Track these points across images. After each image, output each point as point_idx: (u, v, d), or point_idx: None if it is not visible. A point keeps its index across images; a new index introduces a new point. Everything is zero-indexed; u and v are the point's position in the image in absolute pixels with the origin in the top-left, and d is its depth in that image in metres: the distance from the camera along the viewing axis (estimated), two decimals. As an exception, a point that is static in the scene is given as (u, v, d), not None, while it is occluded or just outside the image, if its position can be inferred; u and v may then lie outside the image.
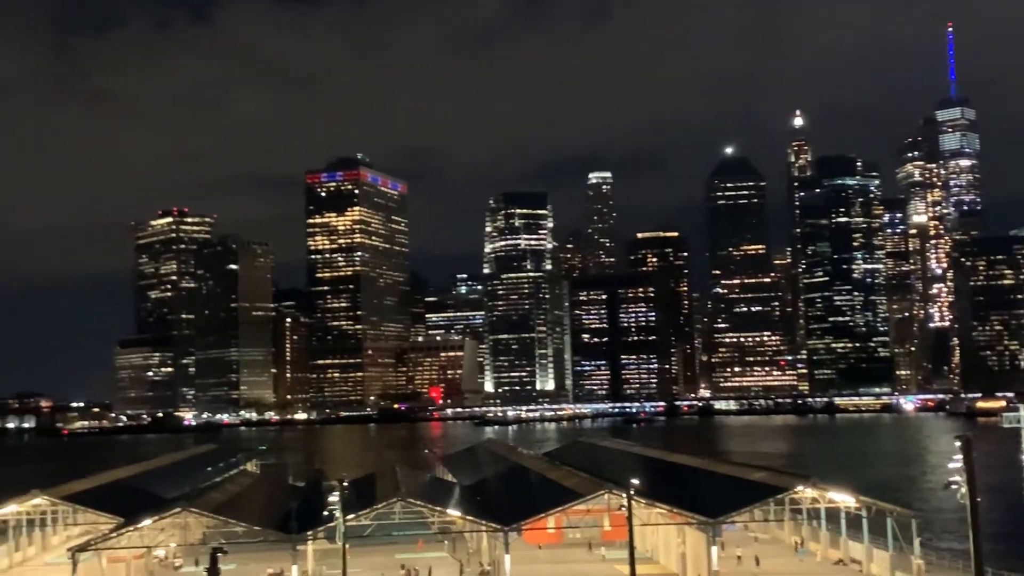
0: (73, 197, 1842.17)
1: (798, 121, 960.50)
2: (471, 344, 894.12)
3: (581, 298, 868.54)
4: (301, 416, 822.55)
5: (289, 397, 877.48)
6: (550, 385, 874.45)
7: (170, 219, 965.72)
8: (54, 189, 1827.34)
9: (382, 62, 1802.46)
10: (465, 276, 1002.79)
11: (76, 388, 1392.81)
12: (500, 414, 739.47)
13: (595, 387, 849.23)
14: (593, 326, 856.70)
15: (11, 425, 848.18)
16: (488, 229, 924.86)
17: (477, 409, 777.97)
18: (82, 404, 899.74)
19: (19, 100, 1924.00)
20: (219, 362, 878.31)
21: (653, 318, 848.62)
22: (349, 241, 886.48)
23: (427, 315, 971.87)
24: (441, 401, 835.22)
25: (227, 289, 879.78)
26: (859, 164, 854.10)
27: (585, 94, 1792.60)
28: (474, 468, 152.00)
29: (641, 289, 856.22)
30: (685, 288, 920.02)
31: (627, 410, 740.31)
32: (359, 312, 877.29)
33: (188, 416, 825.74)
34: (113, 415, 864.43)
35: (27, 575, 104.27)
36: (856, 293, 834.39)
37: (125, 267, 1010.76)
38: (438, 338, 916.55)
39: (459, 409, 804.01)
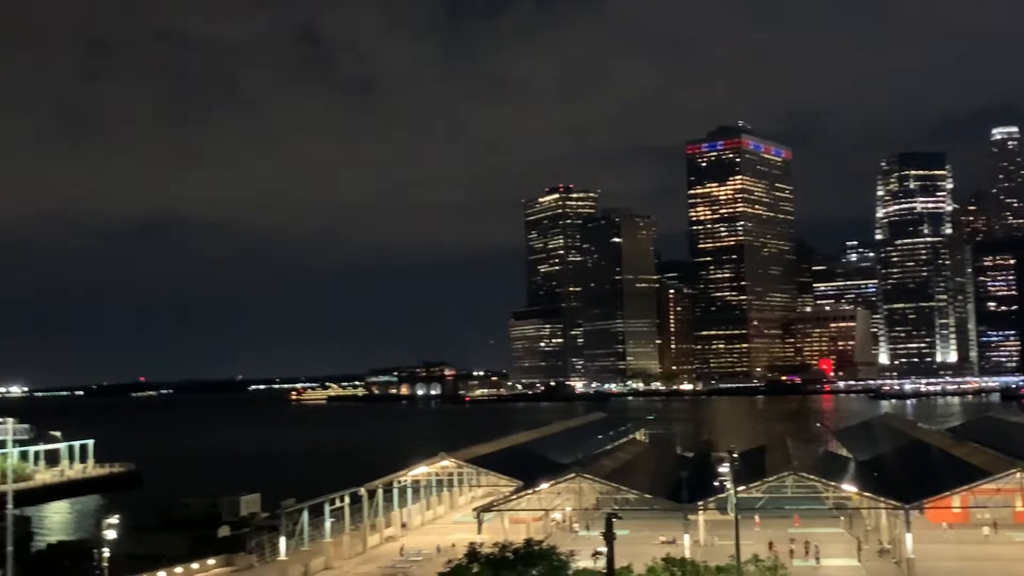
0: (470, 174, 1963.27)
1: None
2: (864, 314, 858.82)
3: (986, 263, 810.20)
4: (687, 386, 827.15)
5: (674, 368, 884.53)
6: (952, 357, 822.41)
7: (556, 195, 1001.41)
8: (454, 167, 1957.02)
9: (764, 24, 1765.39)
10: (855, 243, 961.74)
11: (476, 357, 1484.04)
12: (897, 387, 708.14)
13: (1003, 359, 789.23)
14: (1000, 293, 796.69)
15: (420, 392, 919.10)
16: (880, 192, 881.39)
17: (871, 382, 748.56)
18: (481, 373, 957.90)
19: (416, 86, 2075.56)
20: (606, 333, 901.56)
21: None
22: (731, 211, 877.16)
23: (815, 284, 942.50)
24: (832, 373, 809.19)
25: (611, 262, 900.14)
26: None
27: (989, 43, 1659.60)
28: (870, 443, 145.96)
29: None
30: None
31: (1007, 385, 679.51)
32: (743, 282, 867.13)
33: (578, 385, 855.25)
34: (509, 383, 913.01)
35: (438, 532, 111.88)
36: None
37: (517, 242, 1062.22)
38: (827, 308, 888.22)
39: (852, 382, 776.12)
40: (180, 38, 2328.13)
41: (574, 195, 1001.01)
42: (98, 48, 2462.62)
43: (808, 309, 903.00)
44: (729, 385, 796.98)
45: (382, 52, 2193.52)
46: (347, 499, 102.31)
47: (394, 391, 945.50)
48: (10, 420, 75.85)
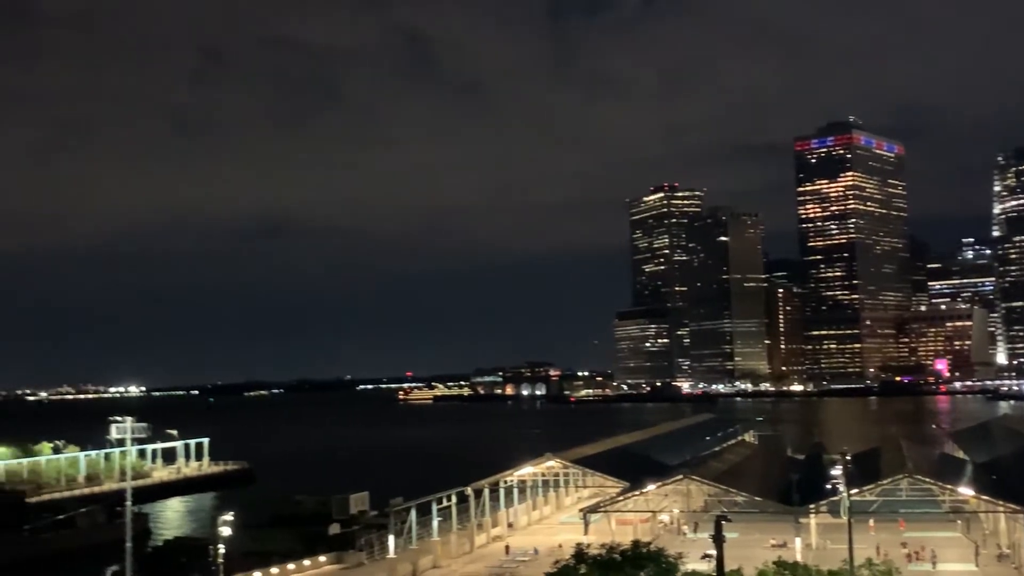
0: (574, 174, 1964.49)
1: None
2: (981, 313, 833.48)
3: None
4: (797, 387, 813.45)
5: (784, 368, 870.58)
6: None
7: (661, 194, 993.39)
8: (557, 167, 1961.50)
9: (874, 17, 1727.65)
10: (972, 240, 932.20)
11: (581, 357, 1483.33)
12: (1015, 388, 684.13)
13: None
14: None
15: (525, 392, 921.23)
16: (997, 188, 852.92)
17: (989, 382, 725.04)
18: (586, 373, 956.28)
19: (520, 86, 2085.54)
20: (713, 333, 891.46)
21: None
22: (842, 208, 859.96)
23: (929, 283, 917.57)
24: (948, 374, 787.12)
25: (718, 261, 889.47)
26: None
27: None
28: (988, 445, 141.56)
29: None
30: None
31: None
32: (855, 281, 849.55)
33: (685, 385, 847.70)
34: (615, 383, 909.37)
35: (544, 532, 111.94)
36: None
37: (621, 242, 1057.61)
38: (943, 307, 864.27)
39: (968, 382, 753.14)
40: (286, 43, 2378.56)
41: (679, 194, 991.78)
42: (207, 55, 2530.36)
43: (923, 308, 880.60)
44: (841, 386, 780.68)
45: (486, 52, 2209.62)
46: (454, 498, 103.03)
47: (499, 391, 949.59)
48: (129, 419, 77.87)
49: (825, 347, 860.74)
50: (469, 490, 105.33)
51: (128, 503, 76.24)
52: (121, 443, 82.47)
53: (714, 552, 60.98)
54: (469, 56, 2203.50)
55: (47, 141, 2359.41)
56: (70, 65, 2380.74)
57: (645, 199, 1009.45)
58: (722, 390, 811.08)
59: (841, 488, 74.80)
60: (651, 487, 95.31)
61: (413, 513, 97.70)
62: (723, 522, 60.27)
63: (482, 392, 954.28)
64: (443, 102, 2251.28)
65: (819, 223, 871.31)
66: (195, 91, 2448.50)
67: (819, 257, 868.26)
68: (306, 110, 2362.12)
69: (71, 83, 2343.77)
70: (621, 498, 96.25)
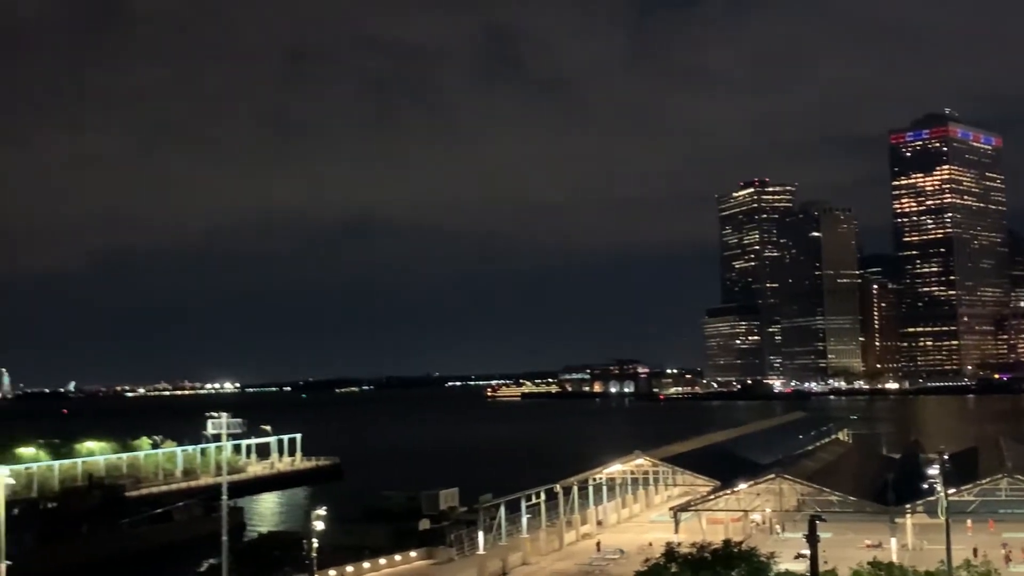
0: (662, 170, 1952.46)
1: None
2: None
3: None
4: (892, 385, 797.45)
5: (878, 366, 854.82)
6: None
7: (751, 190, 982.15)
8: (645, 163, 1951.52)
9: (973, 6, 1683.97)
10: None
11: (669, 355, 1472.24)
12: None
13: None
14: None
15: (613, 389, 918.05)
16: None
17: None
18: (675, 370, 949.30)
19: (607, 81, 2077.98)
20: (805, 330, 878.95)
21: None
22: (938, 202, 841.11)
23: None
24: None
25: (810, 257, 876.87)
26: None
27: None
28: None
29: None
30: None
31: None
32: (952, 277, 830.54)
33: (776, 383, 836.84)
34: (704, 381, 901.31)
35: (634, 530, 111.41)
36: None
37: (710, 238, 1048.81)
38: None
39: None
40: (374, 43, 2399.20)
41: (770, 188, 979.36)
42: (298, 54, 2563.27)
43: (1022, 304, 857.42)
44: (937, 384, 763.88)
45: (572, 48, 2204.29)
46: (543, 495, 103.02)
47: (587, 388, 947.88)
48: (224, 415, 79.36)
49: (921, 344, 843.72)
50: (558, 487, 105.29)
51: (224, 497, 77.58)
52: (217, 438, 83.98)
53: (807, 552, 60.13)
54: (555, 52, 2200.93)
55: (142, 142, 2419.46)
56: (163, 65, 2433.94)
57: (735, 194, 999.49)
58: (815, 388, 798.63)
59: (938, 488, 73.08)
60: (743, 486, 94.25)
61: (502, 509, 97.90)
62: (817, 522, 59.37)
63: (570, 389, 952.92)
64: (529, 99, 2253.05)
65: (915, 217, 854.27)
66: (286, 90, 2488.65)
67: (915, 252, 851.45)
68: (393, 108, 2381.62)
69: (165, 83, 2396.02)
70: (712, 497, 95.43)
